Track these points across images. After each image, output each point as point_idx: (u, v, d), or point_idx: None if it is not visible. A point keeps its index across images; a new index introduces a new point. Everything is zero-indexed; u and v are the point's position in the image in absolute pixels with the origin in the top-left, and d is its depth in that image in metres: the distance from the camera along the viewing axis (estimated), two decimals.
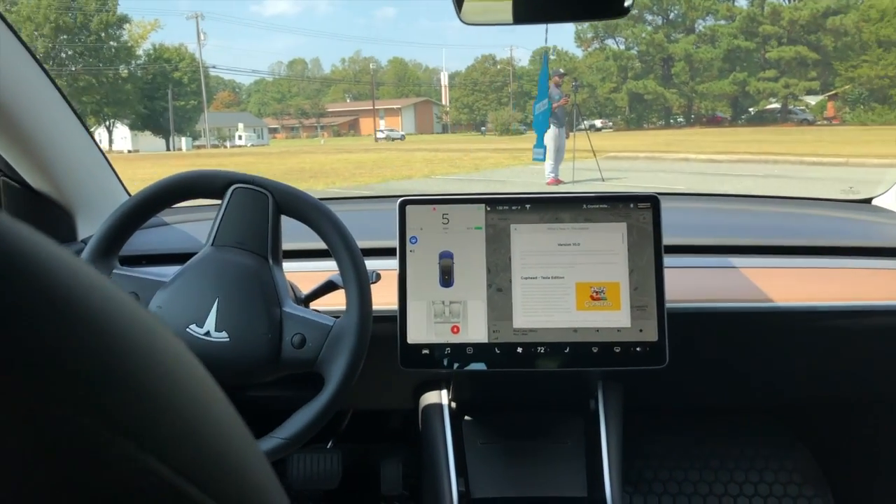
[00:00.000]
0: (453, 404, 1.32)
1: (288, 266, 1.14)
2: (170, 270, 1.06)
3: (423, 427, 1.33)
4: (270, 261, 1.04)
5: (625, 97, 47.42)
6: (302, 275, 1.26)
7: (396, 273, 1.18)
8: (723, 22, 46.02)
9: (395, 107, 63.64)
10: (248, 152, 31.66)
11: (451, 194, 1.21)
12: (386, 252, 1.27)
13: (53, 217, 1.38)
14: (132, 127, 44.00)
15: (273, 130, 68.70)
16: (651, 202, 1.17)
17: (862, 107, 39.61)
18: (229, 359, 0.97)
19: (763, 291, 1.28)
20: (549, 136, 9.95)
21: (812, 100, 43.97)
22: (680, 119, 48.97)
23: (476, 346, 1.16)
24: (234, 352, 0.97)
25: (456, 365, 1.16)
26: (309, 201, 1.03)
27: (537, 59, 60.49)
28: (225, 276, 1.00)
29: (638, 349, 1.14)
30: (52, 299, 0.22)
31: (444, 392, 1.32)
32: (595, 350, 1.15)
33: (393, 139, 46.03)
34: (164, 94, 43.56)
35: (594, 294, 1.16)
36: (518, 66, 64.54)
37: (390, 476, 1.58)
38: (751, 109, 46.92)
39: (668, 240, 1.17)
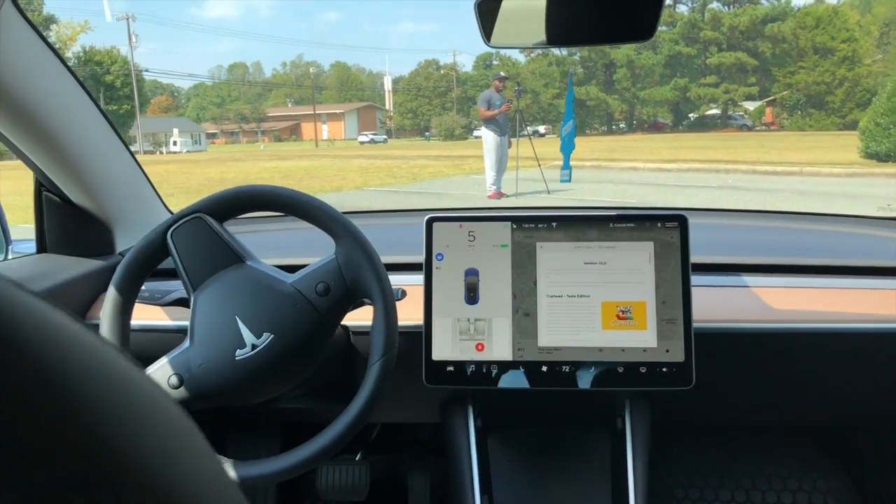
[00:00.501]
0: (479, 420, 1.30)
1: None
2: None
3: (448, 442, 1.31)
4: (246, 261, 1.05)
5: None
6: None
7: (422, 289, 1.18)
8: (664, 28, 46.10)
9: (337, 111, 62.63)
10: (177, 159, 30.06)
11: (478, 209, 1.34)
12: (412, 267, 1.30)
13: (92, 230, 1.43)
14: None
15: (212, 136, 67.42)
16: (679, 221, 1.16)
17: (799, 113, 40.25)
18: (284, 348, 1.00)
19: (794, 311, 1.26)
20: (490, 144, 9.06)
21: (751, 105, 44.63)
22: (622, 125, 49.08)
23: (501, 363, 1.16)
24: (285, 339, 1.00)
25: (480, 382, 1.17)
26: (231, 193, 1.05)
27: (480, 64, 60.04)
28: (227, 298, 1.02)
29: (664, 369, 1.13)
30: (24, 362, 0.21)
31: (471, 408, 1.30)
32: (621, 370, 1.14)
33: (376, 142, 47.30)
34: (94, 99, 41.52)
35: (620, 313, 1.16)
36: (462, 71, 63.98)
37: (418, 489, 1.57)
38: (691, 115, 47.42)
39: (695, 258, 1.17)
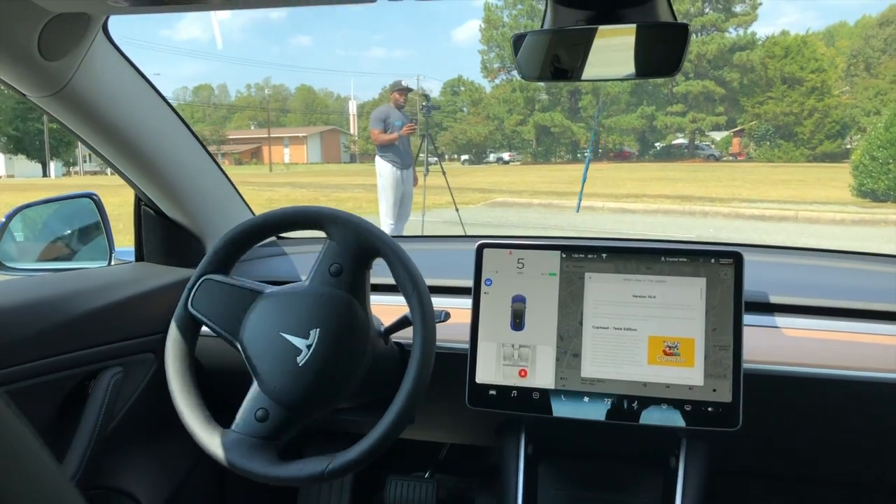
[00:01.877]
0: (530, 447, 1.30)
1: (374, 298, 1.19)
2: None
3: (500, 466, 1.32)
4: (264, 291, 1.12)
5: (531, 130, 45.70)
6: (384, 307, 1.28)
7: (469, 313, 1.22)
8: None
9: (300, 135, 60.71)
10: (101, 183, 27.32)
11: (528, 238, 1.25)
12: (460, 291, 1.32)
13: (185, 243, 1.50)
14: (3, 150, 40.56)
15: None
16: (734, 258, 1.14)
17: (768, 143, 39.26)
18: (335, 329, 1.06)
19: (857, 357, 1.19)
20: (387, 180, 6.41)
21: (718, 135, 43.67)
22: (588, 153, 47.37)
23: (542, 391, 1.17)
24: (328, 326, 1.06)
25: (521, 408, 1.18)
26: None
27: (448, 90, 58.53)
28: (264, 325, 1.09)
29: (710, 409, 1.11)
30: None
31: (523, 434, 1.30)
32: (664, 406, 1.13)
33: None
34: (39, 115, 39.99)
35: (667, 349, 1.14)
36: (430, 97, 62.35)
37: None
38: (658, 144, 46.39)
39: (749, 296, 1.15)
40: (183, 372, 1.13)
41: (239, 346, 1.10)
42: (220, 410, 1.13)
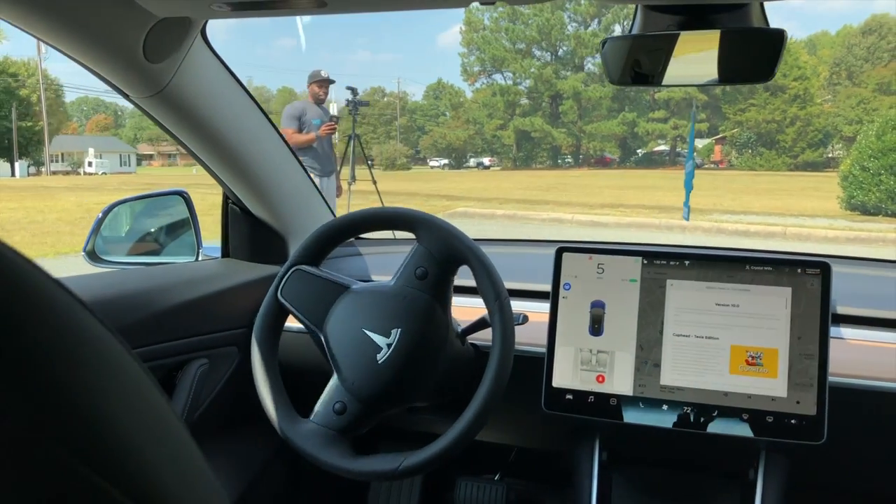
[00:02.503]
0: (605, 454, 1.28)
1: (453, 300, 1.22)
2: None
3: (573, 471, 1.32)
4: (352, 287, 1.16)
5: (511, 135, 44.94)
6: (462, 309, 1.29)
7: (547, 317, 1.22)
8: None
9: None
10: (28, 185, 26.12)
11: (609, 243, 1.26)
12: (537, 295, 1.32)
13: (269, 240, 1.54)
14: None
15: (149, 157, 66.44)
16: (821, 268, 1.12)
17: (750, 151, 38.84)
18: (416, 330, 1.09)
19: None
20: None
21: (699, 143, 43.06)
22: (568, 159, 46.87)
23: (620, 397, 1.16)
24: (409, 326, 1.09)
25: (599, 414, 1.17)
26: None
27: (431, 94, 57.87)
28: (348, 321, 1.12)
29: (793, 421, 1.09)
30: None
31: (597, 440, 1.29)
32: (745, 417, 1.11)
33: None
34: (6, 114, 38.75)
35: (750, 359, 1.12)
36: (412, 100, 62.11)
37: None
38: (639, 151, 45.87)
39: (837, 308, 1.13)
40: (268, 359, 1.16)
41: (322, 338, 1.13)
42: (296, 404, 1.14)
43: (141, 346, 1.22)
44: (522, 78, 46.36)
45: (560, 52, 46.50)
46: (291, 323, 1.25)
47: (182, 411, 1.28)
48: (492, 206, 13.79)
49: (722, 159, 41.72)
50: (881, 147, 11.62)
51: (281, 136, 1.47)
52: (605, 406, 1.17)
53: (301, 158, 4.30)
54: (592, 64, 45.32)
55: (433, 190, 18.85)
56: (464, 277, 1.14)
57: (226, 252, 1.58)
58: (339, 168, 6.04)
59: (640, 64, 1.04)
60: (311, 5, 0.99)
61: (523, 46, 46.10)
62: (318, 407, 1.11)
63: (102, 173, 43.67)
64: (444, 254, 1.10)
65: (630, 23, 1.03)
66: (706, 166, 41.10)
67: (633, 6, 1.01)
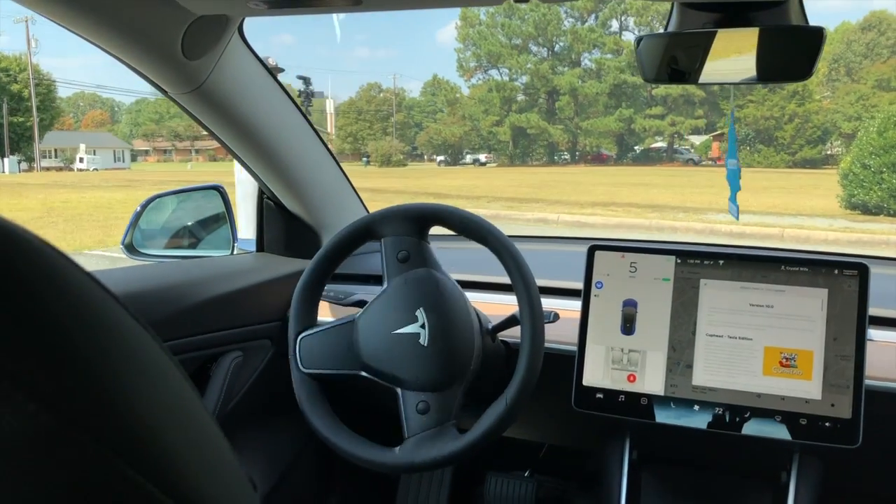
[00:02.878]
0: (635, 452, 1.28)
1: (482, 297, 1.30)
2: (365, 290, 1.34)
3: (603, 469, 1.32)
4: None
5: (507, 131, 44.44)
6: (493, 305, 1.31)
7: (579, 315, 1.21)
8: (609, 56, 43.96)
9: None
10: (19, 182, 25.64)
11: (642, 241, 1.27)
12: (569, 293, 1.32)
13: (304, 235, 1.56)
14: None
15: (144, 153, 66.62)
16: (859, 270, 1.10)
17: (748, 148, 38.45)
18: (442, 342, 1.07)
19: None
20: (249, 187, 4.60)
21: (697, 139, 42.84)
22: (565, 156, 46.42)
23: (651, 397, 1.15)
24: (444, 332, 1.08)
25: (631, 413, 1.16)
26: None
27: (428, 90, 57.45)
28: (433, 289, 1.11)
29: (827, 424, 1.07)
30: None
31: (628, 439, 1.28)
32: (778, 419, 1.10)
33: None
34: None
35: (784, 360, 1.11)
36: (409, 97, 61.77)
37: None
38: (636, 148, 45.35)
39: (874, 310, 1.11)
40: (329, 422, 1.13)
41: (366, 374, 1.11)
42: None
43: (176, 338, 1.23)
44: (518, 74, 45.99)
45: (556, 48, 46.07)
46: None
47: (216, 403, 1.29)
48: (479, 204, 13.41)
49: (720, 156, 41.22)
50: (883, 144, 11.18)
51: (316, 132, 1.47)
52: (636, 405, 1.16)
53: None
54: (589, 59, 44.99)
55: (422, 188, 18.45)
56: (496, 273, 1.14)
57: (260, 246, 1.60)
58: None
59: (676, 61, 1.05)
60: (346, 3, 1.00)
61: (519, 42, 45.66)
62: (404, 424, 1.08)
63: (94, 169, 43.32)
64: (410, 224, 1.11)
65: (652, 20, 0.91)
66: (704, 163, 40.77)
67: (670, 4, 1.01)
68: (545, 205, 13.42)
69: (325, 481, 1.70)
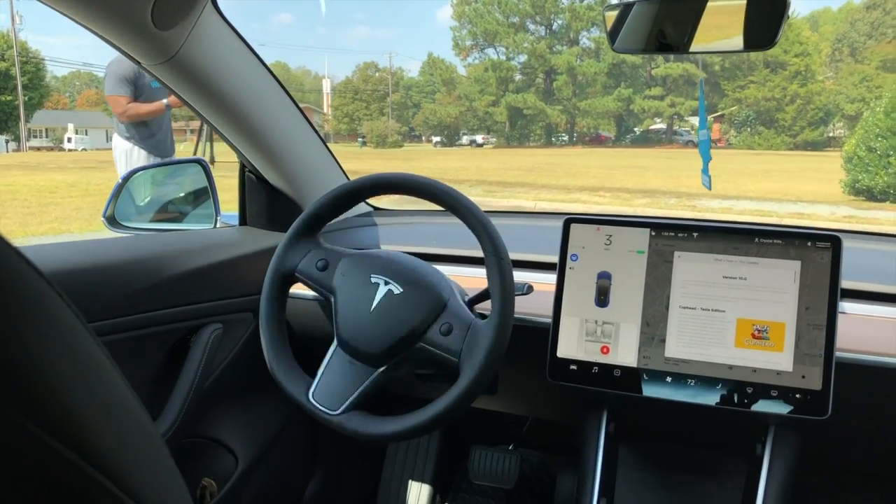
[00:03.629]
0: (612, 426, 1.30)
1: (460, 270, 1.32)
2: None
3: (581, 443, 1.33)
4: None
5: (504, 111, 43.68)
6: (468, 279, 1.33)
7: (554, 286, 1.22)
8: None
9: None
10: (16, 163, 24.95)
11: (618, 216, 1.24)
12: (545, 266, 1.32)
13: (286, 209, 1.52)
14: None
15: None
16: (832, 242, 1.11)
17: (748, 130, 37.84)
18: (396, 305, 1.09)
19: None
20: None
21: (697, 121, 41.98)
22: (563, 137, 45.72)
23: (624, 369, 1.16)
24: (401, 306, 1.09)
25: (602, 385, 1.18)
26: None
27: (426, 70, 56.54)
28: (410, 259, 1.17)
29: (797, 396, 1.09)
30: None
31: (605, 412, 1.30)
32: (749, 391, 1.11)
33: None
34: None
35: (756, 332, 1.12)
36: (408, 76, 60.94)
37: (565, 489, 1.55)
38: (636, 129, 44.60)
39: (846, 283, 1.13)
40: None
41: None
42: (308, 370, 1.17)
43: (155, 309, 1.23)
44: (515, 53, 45.17)
45: (555, 27, 45.22)
46: (299, 290, 1.29)
47: (195, 374, 1.28)
48: (461, 188, 12.69)
49: (720, 138, 40.70)
50: (890, 125, 10.50)
51: (296, 103, 1.46)
52: (609, 377, 1.17)
53: (136, 135, 2.88)
54: (587, 38, 44.10)
55: (408, 170, 17.76)
56: (472, 248, 1.14)
57: (243, 220, 1.58)
58: (202, 144, 4.86)
59: (664, 34, 1.07)
60: None
61: (517, 20, 44.81)
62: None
63: (82, 149, 42.62)
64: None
65: None
66: None
67: None
68: (530, 189, 12.79)
69: (311, 455, 1.71)
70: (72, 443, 0.28)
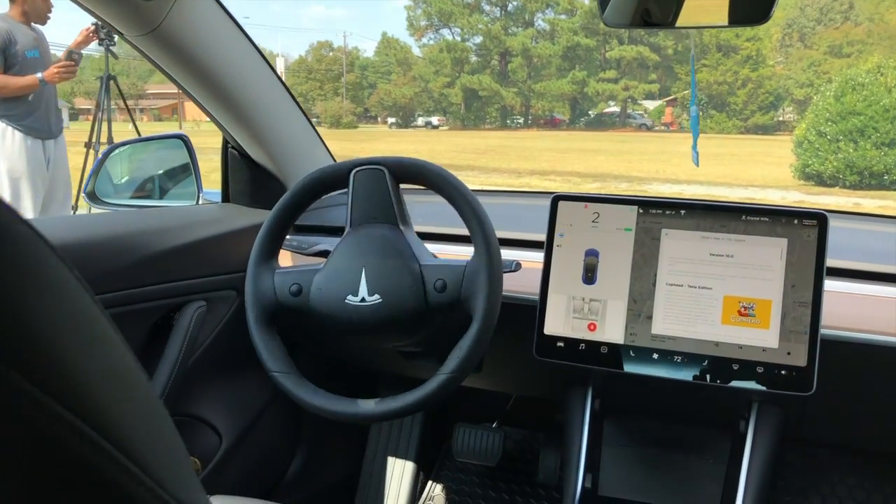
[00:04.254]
0: (597, 402, 1.31)
1: (435, 248, 1.27)
2: (330, 241, 1.34)
3: (566, 418, 1.35)
4: (400, 226, 1.14)
5: (459, 93, 43.15)
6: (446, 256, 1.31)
7: (541, 264, 1.22)
8: (563, 16, 42.78)
9: None
10: None
11: (606, 195, 1.24)
12: (533, 245, 1.33)
13: (270, 185, 1.52)
14: None
15: (87, 111, 61.84)
16: (818, 220, 1.12)
17: (701, 114, 37.96)
18: (386, 315, 1.09)
19: None
20: (17, 160, 3.41)
21: (650, 104, 42.34)
22: (518, 119, 45.44)
23: (611, 346, 1.17)
24: (389, 309, 1.09)
25: (588, 361, 1.18)
26: (419, 163, 1.14)
27: (382, 49, 55.52)
28: (366, 249, 1.11)
29: (783, 372, 1.10)
30: None
31: (591, 388, 1.31)
32: (735, 367, 1.12)
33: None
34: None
35: (742, 309, 1.13)
36: (364, 56, 59.70)
37: (548, 465, 1.58)
38: (590, 112, 44.48)
39: (832, 261, 1.13)
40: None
41: (344, 232, 1.15)
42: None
43: (137, 286, 1.22)
44: (470, 34, 44.59)
45: (510, 8, 44.78)
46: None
47: (178, 352, 1.28)
48: None
49: (673, 121, 40.88)
50: (840, 110, 10.40)
51: (282, 81, 1.45)
52: (597, 354, 1.17)
53: (13, 112, 2.56)
54: (542, 20, 43.78)
55: (357, 151, 17.26)
56: (457, 225, 1.14)
57: (226, 197, 1.57)
58: (96, 125, 4.37)
59: (648, 13, 1.07)
60: None
61: (472, 0, 44.18)
62: (281, 272, 1.16)
63: None
64: (466, 293, 1.08)
65: None
66: (657, 129, 40.33)
67: None
68: (480, 173, 12.48)
69: (295, 433, 1.70)
70: (75, 407, 0.28)
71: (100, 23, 4.22)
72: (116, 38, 3.78)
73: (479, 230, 1.07)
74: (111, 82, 4.93)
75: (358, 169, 1.13)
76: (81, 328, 0.30)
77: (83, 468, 0.28)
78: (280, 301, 1.13)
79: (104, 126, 4.90)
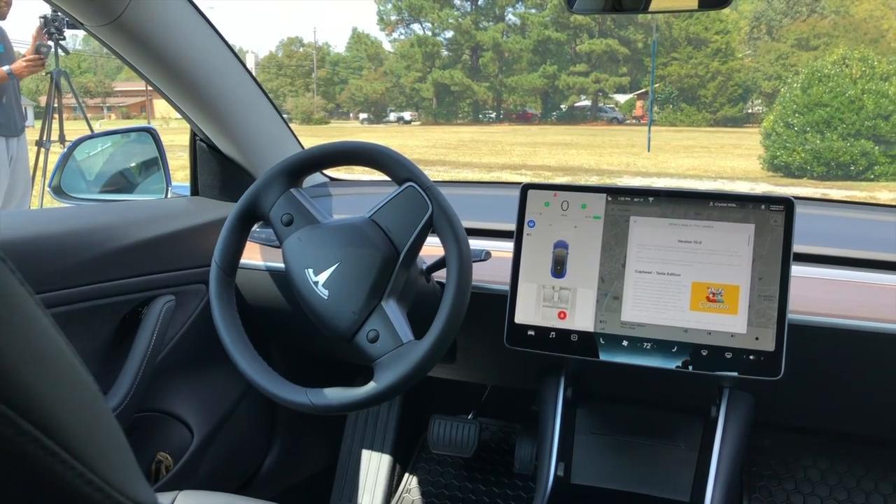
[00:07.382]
0: (570, 391, 1.32)
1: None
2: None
3: (539, 409, 1.35)
4: (400, 259, 1.09)
5: (430, 88, 43.06)
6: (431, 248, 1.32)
7: (511, 254, 1.22)
8: (533, 11, 42.86)
9: None
10: None
11: (575, 185, 1.24)
12: (503, 234, 1.32)
13: (239, 178, 1.49)
14: None
15: (53, 110, 60.33)
16: (785, 205, 1.12)
17: (671, 106, 38.35)
18: (319, 313, 1.09)
19: None
20: None
21: (622, 98, 42.56)
22: (491, 114, 45.48)
23: (581, 333, 1.18)
24: (325, 311, 1.08)
25: (559, 350, 1.19)
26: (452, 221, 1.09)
27: (353, 45, 55.20)
28: (357, 248, 1.09)
29: (751, 357, 1.11)
30: None
31: (563, 377, 1.32)
32: (704, 353, 1.13)
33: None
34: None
35: (711, 295, 1.14)
36: (334, 51, 59.20)
37: (523, 455, 1.57)
38: (562, 106, 44.59)
39: (799, 247, 1.13)
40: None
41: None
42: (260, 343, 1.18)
43: (104, 280, 1.21)
44: (441, 28, 44.48)
45: (480, 2, 44.70)
46: (252, 260, 1.34)
47: (147, 347, 1.26)
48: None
49: (644, 115, 41.14)
50: (807, 101, 10.53)
51: (247, 70, 1.42)
52: (567, 342, 1.17)
53: None
54: (513, 14, 43.82)
55: None
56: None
57: (195, 190, 1.55)
58: (46, 123, 4.28)
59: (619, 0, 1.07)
60: None
61: None
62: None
63: None
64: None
65: None
66: (628, 122, 40.57)
67: None
68: (451, 168, 12.46)
69: (269, 427, 1.68)
70: (18, 407, 0.28)
71: (49, 16, 4.13)
72: (79, 32, 3.71)
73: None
74: (62, 78, 4.82)
75: (412, 185, 1.10)
76: (22, 328, 0.30)
77: (23, 462, 0.28)
78: (269, 216, 1.13)
79: (55, 124, 4.79)
